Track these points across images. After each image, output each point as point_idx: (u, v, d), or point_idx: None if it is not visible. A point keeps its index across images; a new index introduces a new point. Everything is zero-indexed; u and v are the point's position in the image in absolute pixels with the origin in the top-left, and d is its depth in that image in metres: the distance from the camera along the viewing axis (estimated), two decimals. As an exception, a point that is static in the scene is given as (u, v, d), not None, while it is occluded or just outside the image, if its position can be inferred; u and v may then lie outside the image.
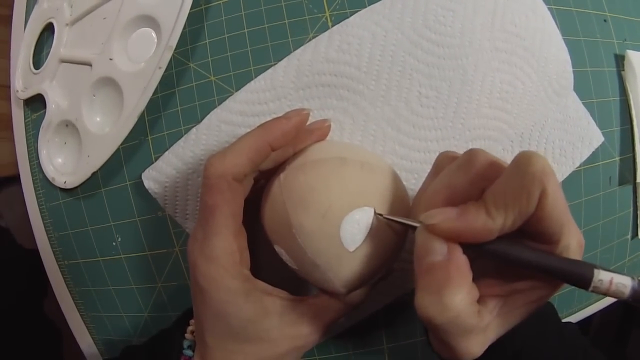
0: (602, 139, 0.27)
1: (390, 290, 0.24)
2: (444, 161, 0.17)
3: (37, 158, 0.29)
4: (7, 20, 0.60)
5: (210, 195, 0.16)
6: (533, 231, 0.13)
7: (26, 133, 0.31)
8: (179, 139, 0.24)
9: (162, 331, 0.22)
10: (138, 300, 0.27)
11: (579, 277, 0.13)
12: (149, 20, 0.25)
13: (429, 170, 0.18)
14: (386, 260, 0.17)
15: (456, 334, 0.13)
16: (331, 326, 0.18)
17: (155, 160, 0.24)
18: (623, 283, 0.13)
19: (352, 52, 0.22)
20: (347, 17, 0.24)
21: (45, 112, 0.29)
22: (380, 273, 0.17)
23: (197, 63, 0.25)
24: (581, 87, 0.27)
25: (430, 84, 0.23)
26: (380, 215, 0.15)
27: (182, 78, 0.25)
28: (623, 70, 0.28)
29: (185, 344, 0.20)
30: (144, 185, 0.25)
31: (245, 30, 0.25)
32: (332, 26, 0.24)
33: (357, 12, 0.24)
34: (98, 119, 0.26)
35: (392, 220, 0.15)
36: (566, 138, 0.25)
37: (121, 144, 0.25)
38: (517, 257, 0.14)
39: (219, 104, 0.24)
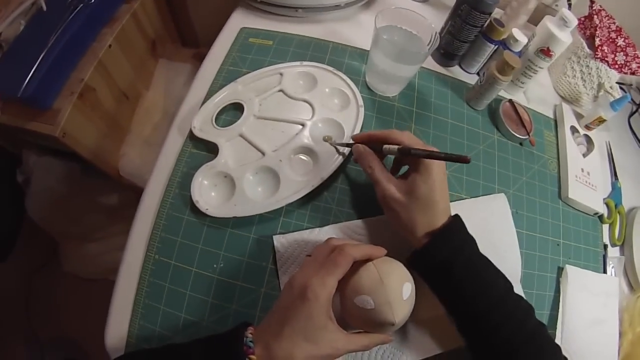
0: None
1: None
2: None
3: (182, 178, 0.42)
4: (149, 41, 0.74)
5: (342, 258, 0.29)
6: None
7: (178, 156, 0.43)
8: (299, 228, 0.40)
9: (211, 336, 0.31)
10: (205, 310, 0.38)
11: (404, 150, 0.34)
12: (313, 154, 0.42)
13: None
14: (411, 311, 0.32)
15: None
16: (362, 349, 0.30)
17: (279, 232, 0.39)
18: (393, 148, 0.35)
19: None
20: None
21: (208, 155, 0.43)
22: (406, 318, 0.32)
23: (329, 194, 0.42)
24: (528, 283, 0.44)
25: None
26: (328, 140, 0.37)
27: (317, 197, 0.42)
28: (561, 277, 0.45)
29: (248, 339, 0.28)
30: (261, 242, 0.39)
31: (361, 191, 0.43)
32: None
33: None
34: (259, 189, 0.40)
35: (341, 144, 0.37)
36: None
37: (262, 213, 0.39)
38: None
39: (332, 221, 0.40)
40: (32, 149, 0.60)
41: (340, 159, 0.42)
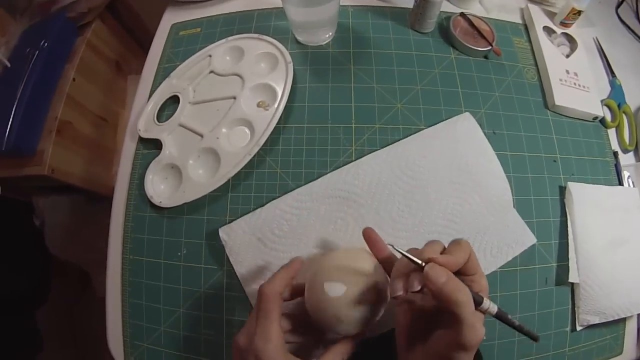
0: (535, 240, 0.38)
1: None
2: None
3: (139, 179, 0.43)
4: (112, 63, 0.77)
5: (267, 303, 0.28)
6: (465, 269, 0.26)
7: (134, 160, 0.45)
8: (249, 202, 0.40)
9: None
10: (179, 298, 0.40)
11: (477, 300, 0.26)
12: (247, 123, 0.42)
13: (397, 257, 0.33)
14: (372, 316, 0.30)
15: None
16: None
17: (230, 212, 0.39)
18: (493, 307, 0.26)
19: (360, 180, 0.39)
20: (364, 152, 0.41)
21: (154, 151, 0.44)
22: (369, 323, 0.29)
23: (271, 158, 0.41)
24: (525, 210, 0.39)
25: (406, 202, 0.39)
26: (392, 246, 0.27)
27: (260, 164, 0.41)
28: (565, 198, 0.40)
29: None
30: (216, 222, 0.39)
31: (304, 147, 0.41)
32: (355, 156, 0.41)
33: (371, 150, 0.41)
34: (200, 171, 0.41)
35: (406, 256, 0.27)
36: (503, 241, 0.38)
37: (209, 192, 0.39)
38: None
39: (278, 189, 0.40)
40: (39, 193, 0.67)
41: (275, 120, 0.40)
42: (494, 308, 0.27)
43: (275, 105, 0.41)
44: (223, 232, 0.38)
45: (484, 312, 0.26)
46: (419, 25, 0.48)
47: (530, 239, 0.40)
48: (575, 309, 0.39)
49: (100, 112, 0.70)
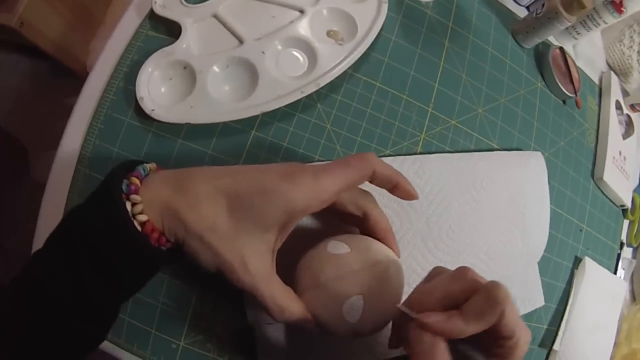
0: (543, 303, 0.32)
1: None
2: (438, 271, 0.20)
3: (129, 68, 0.26)
4: None
5: (359, 160, 0.18)
6: (495, 331, 0.16)
7: (131, 40, 0.27)
8: (276, 153, 0.25)
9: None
10: None
11: None
12: (310, 51, 0.26)
13: None
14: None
15: None
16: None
17: (246, 156, 0.24)
18: None
19: (423, 178, 0.26)
20: (432, 146, 0.28)
21: (165, 38, 0.27)
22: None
23: (323, 106, 0.26)
24: (543, 267, 0.32)
25: (458, 223, 0.27)
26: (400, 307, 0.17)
27: (307, 109, 0.25)
28: (576, 269, 0.35)
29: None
30: (221, 162, 0.24)
31: (368, 110, 0.27)
32: (421, 146, 0.28)
33: (440, 147, 0.28)
34: (226, 88, 0.24)
35: (404, 310, 0.17)
36: (519, 294, 0.30)
37: (228, 121, 0.24)
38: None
39: (321, 150, 0.25)
40: (0, 47, 0.45)
41: (349, 61, 0.25)
42: None
43: (354, 44, 0.26)
44: None
45: None
46: (523, 37, 0.35)
47: (539, 301, 0.32)
48: None
49: None
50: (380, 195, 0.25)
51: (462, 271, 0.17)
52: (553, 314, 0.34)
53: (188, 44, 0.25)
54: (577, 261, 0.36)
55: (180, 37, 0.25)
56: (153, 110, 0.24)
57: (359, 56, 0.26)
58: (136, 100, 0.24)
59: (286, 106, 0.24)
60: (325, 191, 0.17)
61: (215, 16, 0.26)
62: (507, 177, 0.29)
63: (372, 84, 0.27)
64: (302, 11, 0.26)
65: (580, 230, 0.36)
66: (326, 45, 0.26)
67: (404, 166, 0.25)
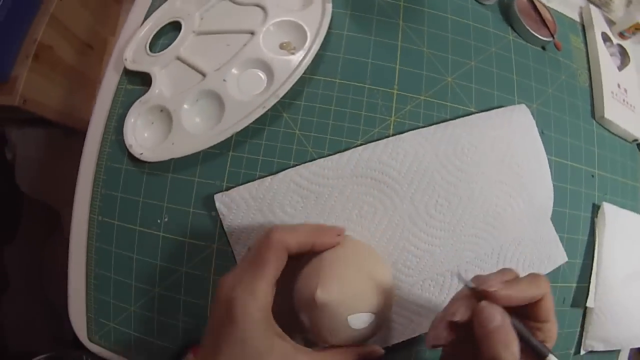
0: (566, 259, 0.30)
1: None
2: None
3: (117, 122, 0.29)
4: None
5: (268, 251, 0.18)
6: (536, 313, 0.18)
7: (114, 97, 0.31)
8: (254, 167, 0.27)
9: None
10: (155, 275, 0.27)
11: (541, 352, 0.17)
12: (265, 67, 0.28)
13: (428, 259, 0.22)
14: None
15: None
16: None
17: (228, 176, 0.26)
18: None
19: (398, 160, 0.26)
20: (405, 126, 0.29)
21: (141, 88, 0.30)
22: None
23: (289, 115, 0.28)
24: (558, 223, 0.31)
25: (446, 196, 0.27)
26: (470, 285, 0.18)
27: (275, 121, 0.27)
28: (596, 217, 0.33)
29: None
30: (209, 186, 0.26)
31: (333, 107, 0.28)
32: (393, 129, 0.29)
33: (413, 125, 0.29)
34: (197, 119, 0.27)
35: (467, 284, 0.18)
36: (535, 254, 0.29)
37: (206, 149, 0.26)
38: (521, 328, 0.18)
39: (294, 156, 0.27)
40: (12, 124, 0.52)
41: (302, 68, 0.27)
42: None
43: (304, 50, 0.28)
44: (220, 202, 0.25)
45: None
46: (482, -7, 0.35)
47: (561, 257, 0.31)
48: (584, 332, 0.32)
49: (86, 37, 0.53)
50: (359, 185, 0.26)
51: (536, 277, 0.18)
52: (580, 270, 0.32)
53: (160, 89, 0.29)
54: (596, 209, 0.33)
55: (152, 84, 0.29)
56: (141, 153, 0.27)
57: (311, 60, 0.27)
58: (127, 148, 0.28)
59: (254, 123, 0.26)
60: None
61: (179, 58, 0.29)
62: (490, 138, 0.29)
63: (332, 81, 0.29)
64: (252, 32, 0.29)
65: (592, 176, 0.34)
66: (280, 58, 0.28)
67: (377, 152, 0.26)
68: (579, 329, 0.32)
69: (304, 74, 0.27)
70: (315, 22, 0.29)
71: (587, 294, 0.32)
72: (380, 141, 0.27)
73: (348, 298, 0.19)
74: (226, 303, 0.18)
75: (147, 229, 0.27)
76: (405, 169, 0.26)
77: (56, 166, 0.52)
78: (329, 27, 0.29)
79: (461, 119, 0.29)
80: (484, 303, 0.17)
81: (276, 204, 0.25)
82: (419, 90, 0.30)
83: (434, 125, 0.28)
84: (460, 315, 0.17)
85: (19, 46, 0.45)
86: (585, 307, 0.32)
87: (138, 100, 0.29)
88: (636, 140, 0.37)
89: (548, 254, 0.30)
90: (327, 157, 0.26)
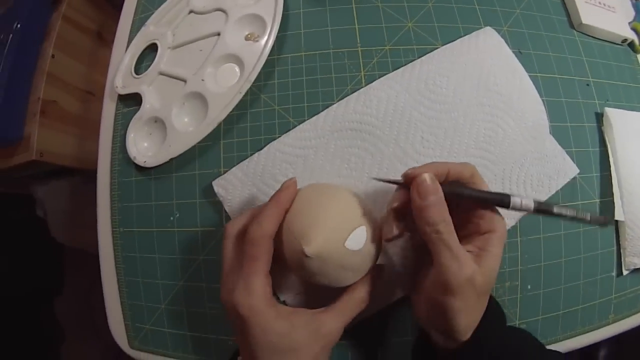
0: (577, 170, 0.30)
1: (384, 296, 0.28)
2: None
3: (121, 142, 0.34)
4: (93, 34, 0.68)
5: (254, 248, 0.20)
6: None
7: (114, 121, 0.35)
8: (245, 148, 0.30)
9: None
10: (177, 270, 0.30)
11: (502, 199, 0.19)
12: (236, 59, 0.31)
13: None
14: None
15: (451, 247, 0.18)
16: (346, 324, 0.21)
17: (224, 162, 0.30)
18: (527, 203, 0.18)
19: (373, 107, 0.29)
20: (376, 77, 0.31)
21: (136, 108, 0.34)
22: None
23: (266, 95, 0.31)
24: (562, 139, 0.30)
25: (430, 130, 0.29)
26: (376, 179, 0.21)
27: (254, 103, 0.31)
28: (603, 125, 0.32)
29: None
30: (209, 175, 0.30)
31: (304, 77, 0.31)
32: (365, 83, 0.31)
33: (383, 74, 0.31)
34: (186, 119, 0.31)
35: (384, 180, 0.21)
36: (543, 171, 0.29)
37: (199, 142, 0.30)
38: (463, 193, 0.20)
39: (278, 129, 0.30)
40: (36, 182, 0.59)
41: (267, 50, 0.30)
42: (529, 202, 0.18)
43: (266, 35, 0.31)
44: (218, 186, 0.29)
45: (519, 210, 0.19)
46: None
47: (572, 169, 0.30)
48: (622, 250, 0.30)
49: (85, 86, 0.60)
50: (341, 139, 0.28)
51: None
52: (600, 183, 0.31)
53: (150, 103, 0.33)
54: (600, 117, 0.33)
55: (143, 101, 0.33)
56: (145, 161, 0.31)
57: (273, 42, 0.31)
58: (132, 160, 0.32)
59: (236, 109, 0.30)
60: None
61: (161, 73, 0.34)
62: (460, 65, 0.30)
63: (298, 55, 0.32)
64: (218, 34, 0.33)
65: (587, 85, 0.34)
66: (247, 47, 0.31)
67: (350, 105, 0.29)
68: (615, 248, 0.31)
69: (271, 55, 0.31)
70: (270, 10, 0.32)
71: (614, 207, 0.31)
72: (351, 95, 0.29)
73: (331, 229, 0.20)
74: (233, 310, 0.20)
75: (163, 228, 0.31)
76: (382, 113, 0.28)
77: (85, 212, 0.58)
78: (286, 10, 0.33)
79: (427, 55, 0.31)
80: (418, 180, 0.19)
81: (267, 175, 0.28)
82: (382, 42, 0.32)
83: (401, 67, 0.30)
84: (397, 201, 0.20)
85: (25, 107, 0.52)
86: (616, 222, 0.31)
87: (133, 118, 0.33)
88: (625, 40, 0.36)
89: (556, 168, 0.30)
90: (305, 122, 0.29)
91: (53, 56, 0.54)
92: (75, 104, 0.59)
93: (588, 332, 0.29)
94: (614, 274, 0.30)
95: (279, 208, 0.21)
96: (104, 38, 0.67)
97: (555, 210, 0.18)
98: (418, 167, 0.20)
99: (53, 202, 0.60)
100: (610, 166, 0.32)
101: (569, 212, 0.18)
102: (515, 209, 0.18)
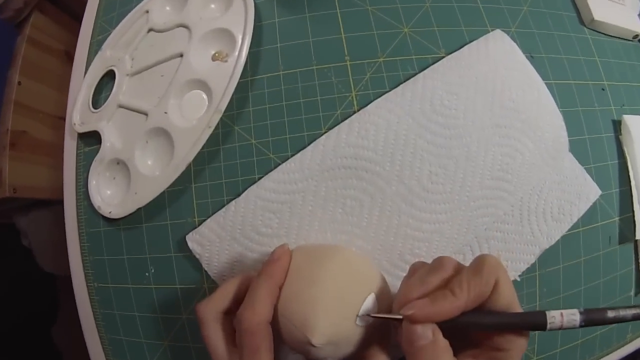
0: (599, 192, 0.27)
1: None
2: (417, 266, 0.19)
3: (84, 187, 0.30)
4: (61, 55, 0.64)
5: (253, 339, 0.17)
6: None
7: (77, 163, 0.31)
8: (220, 193, 0.25)
9: None
10: (160, 329, 0.27)
11: (536, 322, 0.15)
12: (202, 85, 0.27)
13: (438, 240, 0.19)
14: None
15: None
16: None
17: (197, 210, 0.25)
18: (572, 315, 0.14)
19: (370, 138, 0.23)
20: (370, 98, 0.26)
21: (98, 147, 0.30)
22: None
23: (240, 127, 0.26)
24: (580, 154, 0.27)
25: (439, 162, 0.24)
26: (368, 315, 0.17)
27: (227, 138, 0.26)
28: (621, 134, 0.29)
29: None
30: (182, 226, 0.26)
31: (284, 102, 0.26)
32: (358, 106, 0.26)
33: (379, 93, 0.26)
34: (149, 162, 0.26)
35: (378, 317, 0.17)
36: (564, 197, 0.26)
37: (167, 188, 0.26)
38: (483, 322, 0.15)
39: (257, 168, 0.25)
40: (18, 214, 0.57)
41: (238, 72, 0.26)
42: (573, 317, 0.14)
43: (236, 53, 0.27)
44: (192, 241, 0.24)
45: (559, 329, 0.15)
46: None
47: (593, 191, 0.27)
48: None
49: (56, 111, 0.55)
50: (333, 179, 0.24)
51: (439, 260, 0.16)
52: (620, 199, 0.28)
53: (110, 142, 0.29)
54: (618, 125, 0.29)
55: (102, 140, 0.29)
56: (110, 212, 0.27)
57: (244, 61, 0.26)
58: (97, 210, 0.28)
59: (207, 146, 0.25)
60: None
61: (120, 106, 0.29)
62: (470, 80, 0.26)
63: (276, 75, 0.27)
64: (181, 55, 0.28)
65: (603, 90, 0.30)
66: (215, 69, 0.27)
67: (341, 136, 0.24)
68: (633, 267, 0.28)
69: (243, 77, 0.26)
70: (240, 21, 0.27)
71: (635, 224, 0.28)
72: (342, 123, 0.24)
73: (335, 309, 0.17)
74: None
75: (139, 285, 0.27)
76: (381, 145, 0.24)
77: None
78: (258, 21, 0.28)
79: (430, 67, 0.26)
80: (405, 322, 0.15)
81: (248, 227, 0.23)
82: (374, 53, 0.27)
83: (400, 85, 0.26)
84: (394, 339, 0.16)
85: (-10, 143, 0.49)
86: (636, 240, 0.28)
87: (94, 160, 0.29)
88: (637, 35, 0.32)
89: (577, 192, 0.26)
90: (288, 160, 0.24)
91: (19, 83, 0.50)
92: (47, 132, 0.55)
93: (606, 355, 0.28)
94: (632, 293, 0.29)
95: (272, 287, 0.18)
96: (72, 57, 0.63)
97: (610, 315, 0.14)
98: (421, 301, 0.16)
99: (36, 232, 0.57)
100: (630, 180, 0.28)
101: (628, 312, 0.14)
102: (554, 329, 0.14)
